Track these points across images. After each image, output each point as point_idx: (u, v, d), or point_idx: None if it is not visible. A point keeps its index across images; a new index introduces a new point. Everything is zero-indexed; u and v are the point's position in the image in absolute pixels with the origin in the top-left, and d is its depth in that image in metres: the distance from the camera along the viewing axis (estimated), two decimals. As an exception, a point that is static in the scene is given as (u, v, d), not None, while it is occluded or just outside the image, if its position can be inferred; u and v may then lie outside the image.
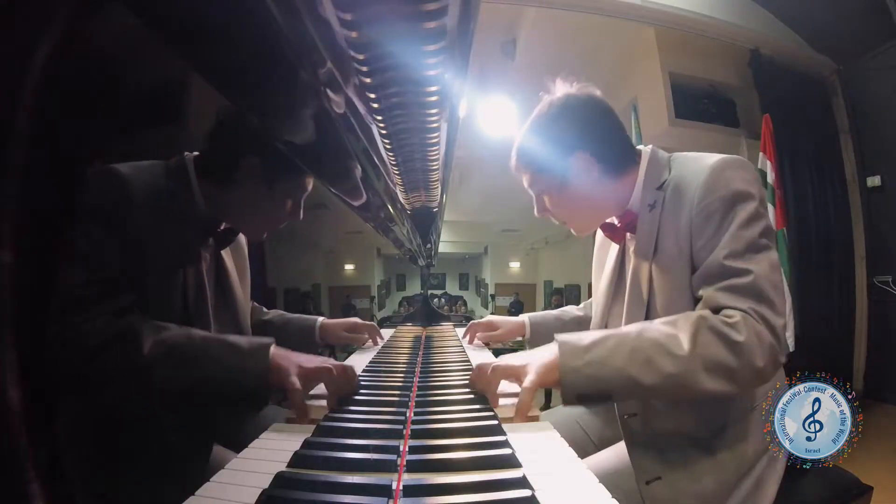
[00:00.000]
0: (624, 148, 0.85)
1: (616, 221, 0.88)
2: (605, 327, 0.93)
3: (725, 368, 0.65)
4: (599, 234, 1.01)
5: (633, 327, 0.70)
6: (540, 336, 1.21)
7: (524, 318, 1.24)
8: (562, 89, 0.86)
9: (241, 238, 1.02)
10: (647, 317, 0.80)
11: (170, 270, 0.77)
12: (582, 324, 1.19)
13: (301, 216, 0.90)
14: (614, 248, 0.93)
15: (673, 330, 0.67)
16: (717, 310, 0.69)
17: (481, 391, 0.76)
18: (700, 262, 0.73)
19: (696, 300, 0.74)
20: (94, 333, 0.66)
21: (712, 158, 0.76)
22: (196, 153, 0.85)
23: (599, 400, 0.68)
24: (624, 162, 0.84)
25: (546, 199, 0.89)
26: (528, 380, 0.68)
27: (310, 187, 0.90)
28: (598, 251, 1.01)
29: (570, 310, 1.24)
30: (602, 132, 0.83)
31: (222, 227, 0.90)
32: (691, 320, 0.67)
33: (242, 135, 0.82)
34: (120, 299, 0.70)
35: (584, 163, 0.82)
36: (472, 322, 1.38)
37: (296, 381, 0.69)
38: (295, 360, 0.72)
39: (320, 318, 1.22)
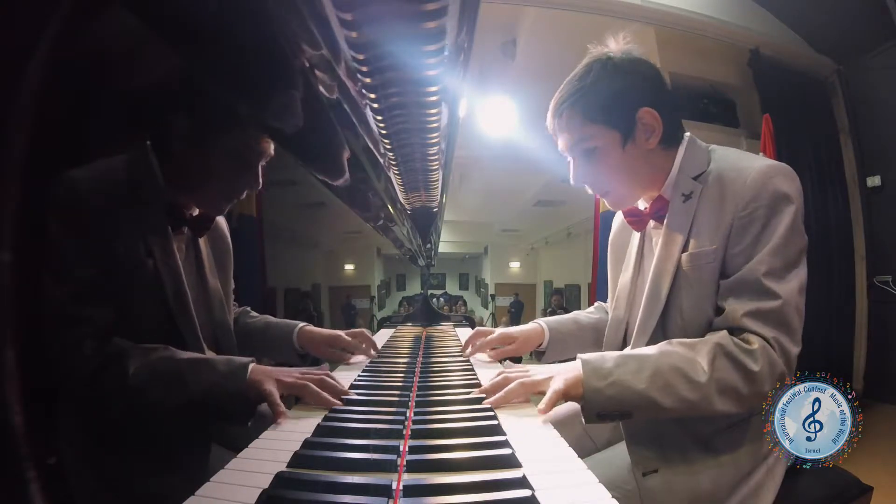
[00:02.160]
0: (677, 118, 0.81)
1: (644, 206, 0.85)
2: (628, 323, 0.89)
3: (737, 394, 0.67)
4: (614, 223, 0.98)
5: (654, 350, 0.72)
6: (558, 343, 1.08)
7: (541, 323, 1.09)
8: (620, 45, 0.81)
9: (223, 225, 0.99)
10: (665, 315, 0.78)
11: (142, 267, 0.75)
12: (598, 328, 1.08)
13: (260, 183, 0.84)
14: (634, 238, 0.89)
15: (692, 354, 0.69)
16: (738, 329, 0.70)
17: (499, 401, 0.72)
18: (733, 268, 0.72)
19: (719, 308, 0.73)
20: (82, 360, 0.68)
21: (760, 161, 0.73)
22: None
23: (619, 418, 0.70)
24: (676, 133, 0.80)
25: (597, 157, 0.80)
26: (556, 386, 0.69)
27: (269, 150, 0.84)
28: (613, 241, 0.97)
29: (582, 314, 1.15)
30: (665, 94, 0.81)
31: (196, 214, 0.86)
32: (709, 346, 0.69)
33: (169, 99, 0.79)
34: (98, 316, 0.70)
35: (651, 120, 0.77)
36: (477, 331, 1.17)
37: (273, 392, 0.71)
38: (273, 375, 0.73)
39: (301, 324, 1.07)
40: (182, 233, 0.85)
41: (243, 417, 0.71)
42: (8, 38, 0.25)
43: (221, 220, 0.98)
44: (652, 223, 0.85)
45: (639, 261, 0.88)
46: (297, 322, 1.08)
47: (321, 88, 0.46)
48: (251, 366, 0.73)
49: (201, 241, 0.90)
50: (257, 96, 0.46)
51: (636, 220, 0.86)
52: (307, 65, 0.42)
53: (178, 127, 0.78)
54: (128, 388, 0.68)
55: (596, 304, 1.18)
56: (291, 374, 0.76)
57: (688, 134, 0.82)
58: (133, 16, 0.31)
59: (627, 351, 0.75)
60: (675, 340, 0.72)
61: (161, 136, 0.80)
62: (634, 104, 0.77)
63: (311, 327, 1.08)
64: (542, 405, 0.69)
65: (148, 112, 0.81)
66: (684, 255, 0.76)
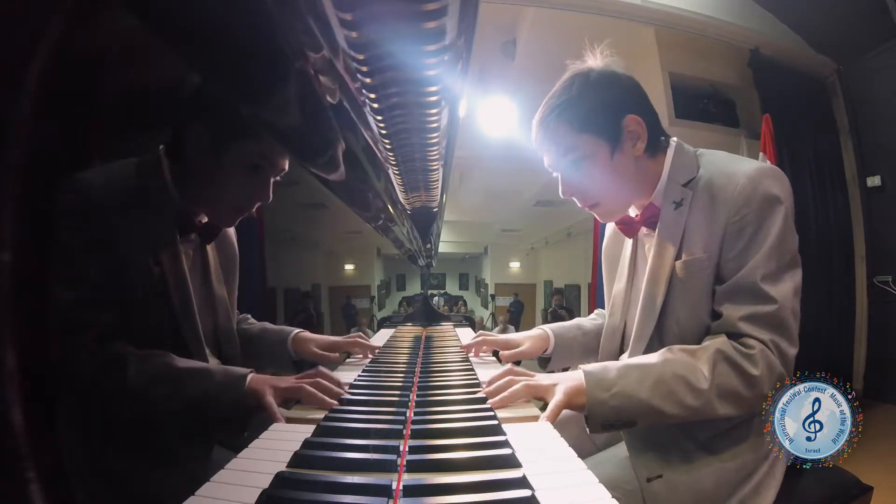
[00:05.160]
0: (659, 127, 0.82)
1: (635, 214, 0.85)
2: (624, 329, 0.90)
3: (738, 397, 0.69)
4: (607, 231, 0.98)
5: (655, 357, 0.72)
6: (563, 349, 1.06)
7: (546, 329, 1.07)
8: (599, 61, 0.82)
9: (230, 231, 0.98)
10: (661, 322, 0.78)
11: (149, 273, 0.75)
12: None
13: (270, 197, 0.83)
14: (627, 245, 0.90)
15: (693, 361, 0.70)
16: (736, 334, 0.71)
17: (504, 401, 0.73)
18: (728, 273, 0.72)
19: (715, 313, 0.74)
20: (83, 363, 0.68)
21: (748, 165, 0.74)
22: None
23: (623, 427, 0.71)
24: (661, 141, 0.81)
25: (586, 168, 0.79)
26: (557, 398, 0.69)
27: (284, 166, 0.83)
28: (607, 249, 0.97)
29: (585, 320, 1.13)
30: (647, 104, 0.81)
31: (205, 221, 0.86)
32: (710, 352, 0.70)
33: (186, 106, 0.78)
34: (101, 321, 0.70)
35: (636, 126, 0.78)
36: (482, 335, 1.18)
37: (272, 404, 0.71)
38: (270, 383, 0.74)
39: (296, 330, 1.07)
40: (190, 239, 0.85)
41: (239, 428, 0.71)
42: (14, 38, 0.25)
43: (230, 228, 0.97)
44: (644, 229, 0.85)
45: (632, 268, 0.88)
46: (291, 328, 1.07)
47: (322, 89, 0.46)
48: (250, 376, 0.73)
49: (209, 248, 0.89)
50: (263, 101, 0.46)
51: (627, 228, 0.87)
52: (309, 67, 0.42)
53: (193, 136, 0.78)
54: (126, 393, 0.68)
55: (596, 311, 1.17)
56: (287, 379, 0.77)
57: (674, 140, 0.83)
58: (137, 19, 0.31)
59: (629, 360, 0.75)
60: (675, 347, 0.73)
61: (176, 145, 0.79)
62: (620, 112, 0.78)
63: (305, 333, 1.07)
64: (547, 414, 0.68)
65: (163, 120, 0.81)
66: (678, 263, 0.76)
